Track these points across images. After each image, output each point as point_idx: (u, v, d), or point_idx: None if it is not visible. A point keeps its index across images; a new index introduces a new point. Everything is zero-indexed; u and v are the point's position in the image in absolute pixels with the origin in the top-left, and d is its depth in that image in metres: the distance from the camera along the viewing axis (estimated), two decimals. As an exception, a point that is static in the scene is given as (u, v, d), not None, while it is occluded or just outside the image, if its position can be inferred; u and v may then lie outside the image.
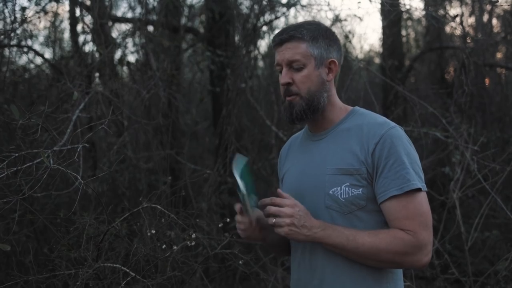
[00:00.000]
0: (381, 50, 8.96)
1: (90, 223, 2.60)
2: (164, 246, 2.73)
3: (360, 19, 4.90)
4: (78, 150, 2.48)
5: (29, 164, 2.48)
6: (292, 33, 1.94)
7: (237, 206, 1.97)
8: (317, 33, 1.96)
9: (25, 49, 5.79)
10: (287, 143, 2.31)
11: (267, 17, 5.68)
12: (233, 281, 4.86)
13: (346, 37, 5.22)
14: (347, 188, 1.86)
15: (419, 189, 1.82)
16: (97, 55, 4.90)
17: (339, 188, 1.87)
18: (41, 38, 6.76)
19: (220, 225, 3.21)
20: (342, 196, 1.86)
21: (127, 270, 2.32)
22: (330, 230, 1.80)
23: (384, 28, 8.29)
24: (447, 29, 8.35)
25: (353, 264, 1.86)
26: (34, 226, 4.19)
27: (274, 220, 1.78)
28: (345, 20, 5.19)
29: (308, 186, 1.96)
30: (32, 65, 6.03)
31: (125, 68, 5.49)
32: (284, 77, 1.94)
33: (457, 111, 5.08)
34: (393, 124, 1.92)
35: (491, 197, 4.13)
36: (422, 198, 1.84)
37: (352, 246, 1.79)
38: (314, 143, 2.05)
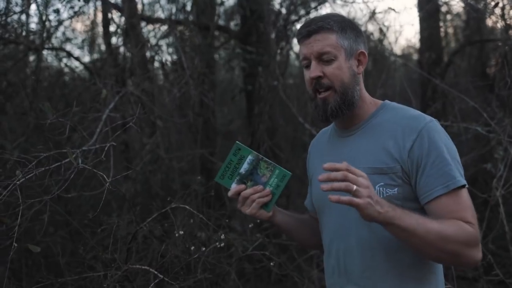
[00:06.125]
0: (418, 45, 8.74)
1: (118, 224, 2.58)
2: (192, 248, 2.68)
3: (396, 11, 4.73)
4: (106, 149, 2.45)
5: (57, 164, 2.46)
6: (321, 24, 1.83)
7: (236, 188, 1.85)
8: (345, 24, 1.86)
9: (62, 53, 5.88)
10: (314, 139, 2.21)
11: (300, 12, 5.58)
12: (268, 282, 4.78)
13: (381, 31, 5.06)
14: (381, 188, 1.74)
15: (463, 186, 1.71)
16: (129, 55, 4.91)
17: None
18: (76, 41, 6.83)
19: (250, 226, 3.14)
20: None
21: (156, 272, 2.28)
22: (399, 211, 1.61)
23: (421, 21, 8.08)
24: (488, 21, 8.09)
25: (393, 268, 1.75)
26: (69, 228, 4.22)
27: (355, 188, 1.53)
28: (381, 12, 5.01)
29: None
30: (67, 69, 6.12)
31: (157, 67, 5.48)
32: (314, 70, 1.81)
33: (499, 106, 4.87)
34: (428, 117, 1.80)
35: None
36: (467, 195, 1.73)
37: (422, 231, 1.60)
38: (343, 140, 1.94)
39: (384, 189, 1.74)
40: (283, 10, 5.42)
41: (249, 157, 1.86)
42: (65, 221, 4.20)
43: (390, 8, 4.95)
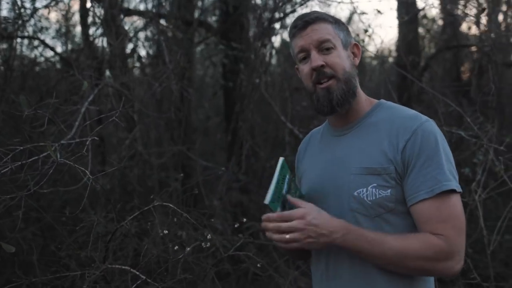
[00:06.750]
0: (394, 48, 8.81)
1: (98, 221, 2.46)
2: (176, 248, 2.58)
3: (380, 12, 4.71)
4: (87, 143, 2.34)
5: (34, 158, 2.34)
6: (316, 15, 1.81)
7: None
8: (336, 18, 1.86)
9: (35, 42, 5.70)
10: (306, 138, 2.14)
11: (283, 10, 5.51)
12: (244, 281, 4.71)
13: (366, 31, 5.02)
14: (374, 189, 1.69)
15: (453, 190, 1.65)
16: (108, 47, 4.78)
17: (365, 190, 1.70)
18: (52, 31, 6.65)
19: (236, 226, 3.06)
20: (369, 198, 1.70)
21: (137, 273, 2.18)
22: (352, 236, 1.63)
23: (400, 25, 8.12)
24: (464, 27, 8.22)
25: (382, 274, 1.69)
26: (40, 224, 4.07)
27: (287, 237, 1.60)
28: (365, 13, 4.94)
29: (330, 187, 1.80)
30: (42, 58, 5.94)
31: (136, 61, 5.36)
32: (316, 60, 1.77)
33: (475, 110, 4.89)
34: (425, 117, 1.76)
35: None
36: (456, 200, 1.67)
37: (378, 252, 1.62)
38: (337, 139, 1.88)
39: (377, 190, 1.69)
40: (268, 7, 5.34)
41: (287, 177, 1.72)
42: (36, 217, 4.05)
43: (376, 10, 4.91)
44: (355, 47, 1.88)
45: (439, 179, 1.64)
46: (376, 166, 1.71)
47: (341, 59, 1.79)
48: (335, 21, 1.83)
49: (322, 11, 2.06)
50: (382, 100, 1.91)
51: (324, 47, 1.78)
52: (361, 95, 1.88)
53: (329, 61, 1.77)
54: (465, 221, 1.69)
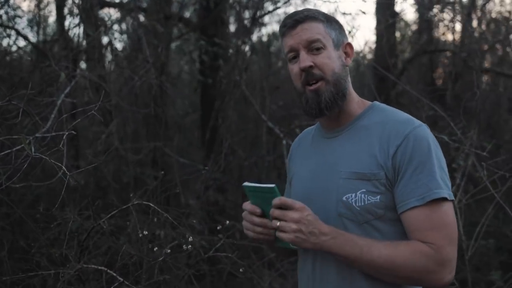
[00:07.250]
0: (369, 51, 8.85)
1: (74, 219, 2.36)
2: (156, 249, 2.49)
3: (364, 12, 4.69)
4: (64, 137, 2.23)
5: (7, 151, 2.23)
6: (306, 13, 1.74)
7: (250, 207, 1.71)
8: (329, 16, 1.80)
9: (8, 30, 5.52)
10: (297, 138, 2.09)
11: (265, 8, 5.46)
12: (219, 281, 4.64)
13: (350, 32, 5.00)
14: (362, 195, 1.65)
15: (444, 198, 1.60)
16: (84, 39, 4.65)
17: (353, 195, 1.66)
18: (25, 20, 6.47)
19: (218, 228, 2.98)
20: (357, 204, 1.65)
21: (114, 274, 2.09)
22: (341, 239, 1.59)
23: (378, 28, 8.17)
24: (440, 33, 8.32)
25: (370, 279, 1.64)
26: (10, 219, 3.91)
27: (278, 224, 1.56)
28: (349, 14, 4.93)
29: (318, 190, 1.75)
30: (14, 47, 5.76)
31: (112, 54, 5.23)
32: (304, 60, 1.71)
33: (458, 114, 4.90)
34: (418, 122, 1.70)
35: (495, 205, 3.97)
36: (448, 208, 1.62)
37: (366, 259, 1.58)
38: (327, 141, 1.83)
39: (366, 196, 1.65)
40: (249, 5, 5.28)
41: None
42: (6, 212, 3.90)
43: (360, 11, 4.89)
44: (348, 46, 1.82)
45: (430, 187, 1.60)
46: (365, 171, 1.66)
47: (331, 60, 1.73)
48: (327, 20, 1.77)
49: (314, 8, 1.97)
50: (376, 102, 1.85)
51: (313, 47, 1.72)
52: (353, 96, 1.82)
53: (318, 61, 1.72)
54: (457, 230, 1.64)
